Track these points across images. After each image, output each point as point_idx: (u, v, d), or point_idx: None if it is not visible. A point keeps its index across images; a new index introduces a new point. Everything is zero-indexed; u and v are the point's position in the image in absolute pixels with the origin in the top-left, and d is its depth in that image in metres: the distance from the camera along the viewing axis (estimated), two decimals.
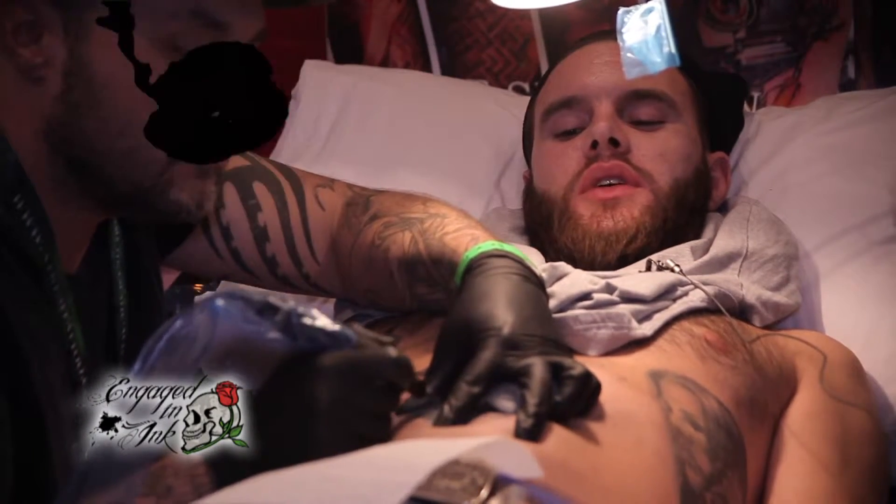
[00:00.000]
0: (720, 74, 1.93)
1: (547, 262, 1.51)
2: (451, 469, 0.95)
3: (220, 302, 0.98)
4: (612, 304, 1.34)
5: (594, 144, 1.52)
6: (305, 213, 1.41)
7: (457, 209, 1.38)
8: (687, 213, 1.53)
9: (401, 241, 1.34)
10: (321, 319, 1.01)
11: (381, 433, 1.04)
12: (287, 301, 1.00)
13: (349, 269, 1.40)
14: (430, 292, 1.35)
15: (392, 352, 1.05)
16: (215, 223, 1.38)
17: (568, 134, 1.58)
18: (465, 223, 1.33)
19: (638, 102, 1.56)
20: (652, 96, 1.56)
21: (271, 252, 1.40)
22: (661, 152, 1.54)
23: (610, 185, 1.51)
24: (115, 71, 1.08)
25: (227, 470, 0.97)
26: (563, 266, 1.41)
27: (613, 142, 1.52)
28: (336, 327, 1.02)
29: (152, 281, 1.29)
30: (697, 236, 1.55)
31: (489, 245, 1.25)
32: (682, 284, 1.39)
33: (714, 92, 1.68)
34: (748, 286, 1.44)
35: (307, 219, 1.41)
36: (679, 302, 1.37)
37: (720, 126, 1.69)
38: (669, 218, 1.51)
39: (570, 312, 1.32)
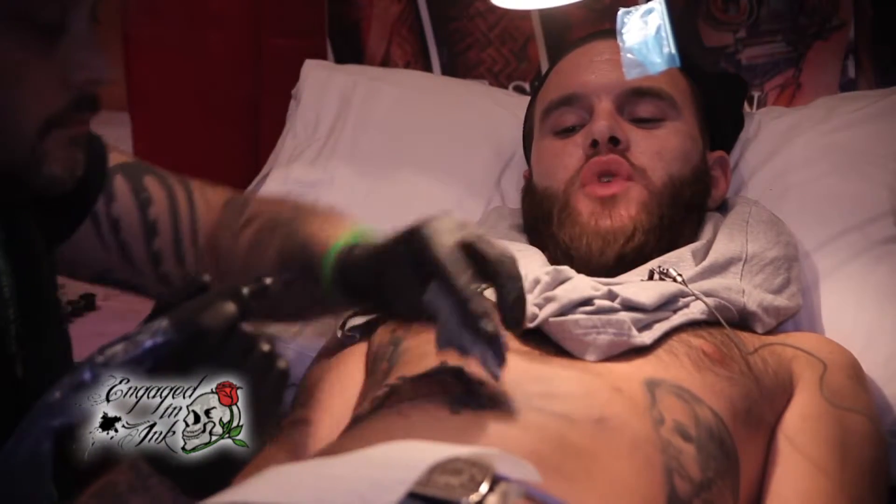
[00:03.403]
0: (720, 74, 1.93)
1: (546, 258, 1.51)
2: (450, 466, 0.95)
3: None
4: (613, 310, 1.34)
5: (594, 143, 1.52)
6: (194, 209, 1.39)
7: (329, 209, 1.36)
8: (683, 210, 1.53)
9: (274, 241, 1.32)
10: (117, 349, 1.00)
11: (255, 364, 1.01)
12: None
13: (228, 269, 1.38)
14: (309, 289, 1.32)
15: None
16: (104, 215, 1.35)
17: (568, 131, 1.58)
18: (334, 220, 1.31)
19: (638, 100, 1.56)
20: (652, 94, 1.56)
21: (158, 247, 1.37)
22: (659, 150, 1.53)
23: (608, 180, 1.51)
24: None
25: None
26: (566, 270, 1.42)
27: (613, 140, 1.52)
28: (129, 353, 1.00)
29: (41, 259, 1.25)
30: (695, 234, 1.55)
31: (350, 235, 1.25)
32: (684, 295, 1.39)
33: (714, 91, 1.68)
34: (750, 291, 1.43)
35: (196, 216, 1.39)
36: (679, 313, 1.37)
37: (720, 125, 1.69)
38: (665, 215, 1.51)
39: (570, 316, 1.32)
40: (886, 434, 1.43)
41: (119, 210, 1.35)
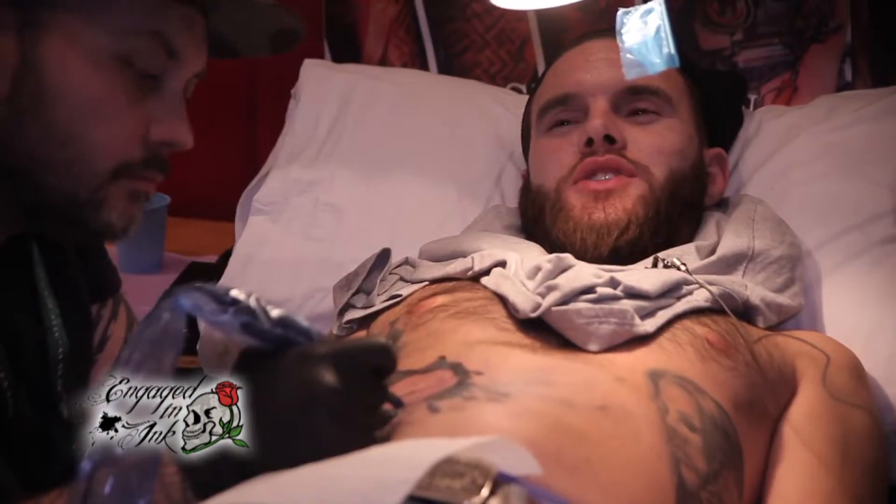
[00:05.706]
0: (719, 72, 1.93)
1: (545, 252, 1.51)
2: (452, 468, 0.95)
3: (183, 299, 0.97)
4: (615, 299, 1.33)
5: (589, 141, 1.52)
6: None
7: None
8: (681, 205, 1.53)
9: None
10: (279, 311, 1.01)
11: (377, 422, 1.03)
12: (249, 294, 0.99)
13: None
14: None
15: (380, 338, 1.04)
16: (103, 326, 1.35)
17: (563, 126, 1.58)
18: None
19: (633, 98, 1.56)
20: (647, 92, 1.56)
21: None
22: (658, 146, 1.54)
23: (606, 178, 1.51)
24: (65, 80, 1.06)
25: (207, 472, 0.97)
26: (568, 258, 1.41)
27: (609, 139, 1.52)
28: (305, 322, 1.02)
29: (83, 299, 1.26)
30: (693, 231, 1.56)
31: None
32: (687, 283, 1.39)
33: (713, 89, 1.68)
34: (752, 287, 1.43)
35: None
36: (683, 301, 1.37)
37: (719, 123, 1.69)
38: (662, 210, 1.51)
39: (572, 305, 1.31)
40: (889, 433, 1.43)
41: (113, 331, 1.35)
